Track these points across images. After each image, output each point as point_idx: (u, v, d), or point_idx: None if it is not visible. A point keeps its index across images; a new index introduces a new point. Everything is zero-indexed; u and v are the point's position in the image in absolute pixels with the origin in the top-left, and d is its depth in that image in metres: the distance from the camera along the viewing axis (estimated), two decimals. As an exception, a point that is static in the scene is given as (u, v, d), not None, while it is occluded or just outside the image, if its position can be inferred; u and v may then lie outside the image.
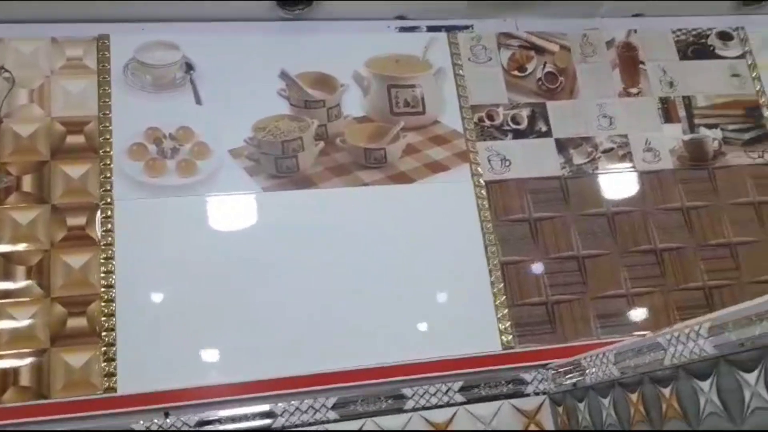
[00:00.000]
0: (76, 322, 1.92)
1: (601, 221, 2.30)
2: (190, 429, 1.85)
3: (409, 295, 2.09)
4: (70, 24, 2.20)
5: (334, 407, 1.93)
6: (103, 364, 1.89)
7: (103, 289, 1.96)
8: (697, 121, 2.50)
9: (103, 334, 1.92)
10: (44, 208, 2.01)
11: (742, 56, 2.63)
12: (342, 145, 2.25)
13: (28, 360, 1.88)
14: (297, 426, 1.89)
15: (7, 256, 1.95)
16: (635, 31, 2.57)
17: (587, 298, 2.20)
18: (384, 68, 2.36)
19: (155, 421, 1.85)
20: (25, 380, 1.86)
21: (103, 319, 1.93)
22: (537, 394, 2.03)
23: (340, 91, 2.30)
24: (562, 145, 2.37)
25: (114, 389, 1.87)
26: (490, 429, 1.98)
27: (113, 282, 1.96)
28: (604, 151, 2.39)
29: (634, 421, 1.59)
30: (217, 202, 2.11)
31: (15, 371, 1.86)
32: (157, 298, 1.99)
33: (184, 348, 1.94)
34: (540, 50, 2.49)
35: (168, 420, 1.85)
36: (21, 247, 1.97)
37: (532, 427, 2.01)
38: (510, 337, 2.10)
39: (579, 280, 2.21)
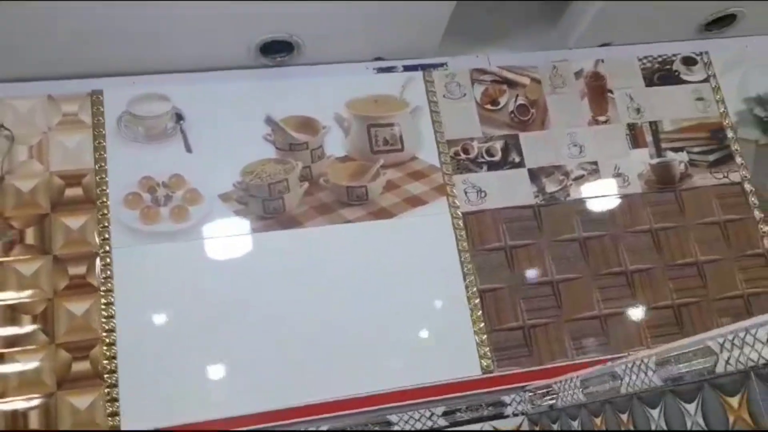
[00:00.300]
0: (80, 366, 2.04)
1: (573, 246, 2.41)
2: (191, 462, 1.98)
3: (393, 325, 2.21)
4: (64, 81, 2.31)
5: (325, 436, 2.05)
6: (107, 405, 2.02)
7: (104, 334, 2.08)
8: (663, 145, 2.61)
9: (106, 375, 2.04)
10: (46, 259, 2.13)
11: (705, 80, 2.73)
12: (325, 185, 2.36)
13: (36, 403, 1.99)
14: (291, 455, 2.01)
15: (13, 306, 2.07)
16: (602, 60, 2.69)
17: (562, 321, 2.31)
18: (363, 109, 2.47)
19: (157, 456, 1.97)
20: (33, 423, 1.98)
21: (105, 361, 2.05)
22: (516, 415, 2.15)
23: (322, 133, 2.42)
24: (534, 175, 2.49)
25: (118, 428, 1.99)
26: (472, 450, 2.10)
27: (114, 326, 2.08)
28: (575, 179, 2.51)
29: (600, 444, 1.72)
30: (210, 245, 2.23)
31: (24, 414, 1.98)
32: (155, 339, 2.10)
33: (183, 386, 2.06)
34: (512, 84, 2.60)
35: (169, 454, 1.98)
36: (26, 297, 2.09)
37: (512, 447, 2.13)
38: (489, 361, 2.22)
39: (553, 304, 2.33)
